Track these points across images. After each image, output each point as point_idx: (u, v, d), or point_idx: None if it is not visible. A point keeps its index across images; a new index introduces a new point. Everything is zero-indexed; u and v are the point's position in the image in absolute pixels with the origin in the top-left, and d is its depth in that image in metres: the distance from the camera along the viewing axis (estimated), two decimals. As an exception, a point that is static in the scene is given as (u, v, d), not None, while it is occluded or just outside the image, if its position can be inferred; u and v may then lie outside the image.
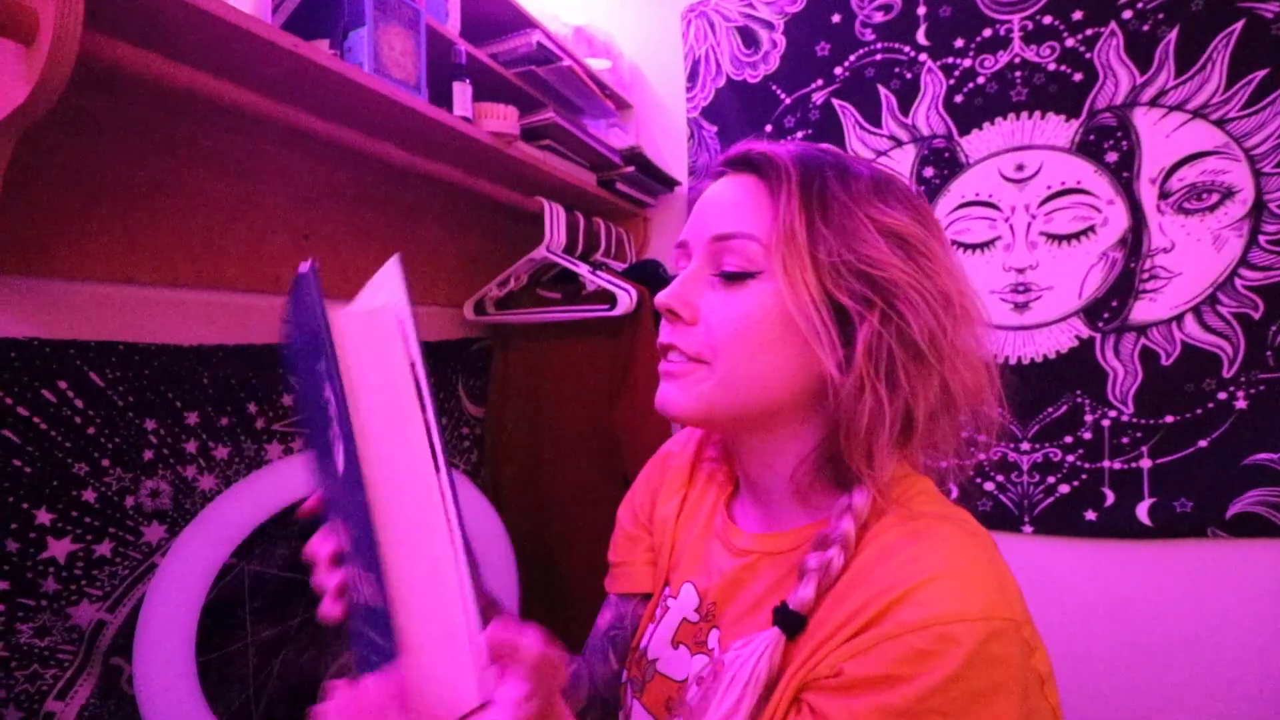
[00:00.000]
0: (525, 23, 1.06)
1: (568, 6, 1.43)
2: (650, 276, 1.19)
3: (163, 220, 0.81)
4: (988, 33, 1.18)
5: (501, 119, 0.94)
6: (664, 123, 1.45)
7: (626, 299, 1.06)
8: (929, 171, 1.22)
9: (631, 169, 1.23)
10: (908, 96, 1.24)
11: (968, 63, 1.19)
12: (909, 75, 1.23)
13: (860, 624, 0.40)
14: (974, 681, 0.36)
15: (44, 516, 0.72)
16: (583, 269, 1.11)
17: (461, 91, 0.89)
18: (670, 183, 1.38)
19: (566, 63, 1.02)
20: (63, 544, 0.73)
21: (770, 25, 1.34)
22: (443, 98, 0.89)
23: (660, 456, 0.71)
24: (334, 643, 1.02)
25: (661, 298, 0.49)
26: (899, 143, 1.25)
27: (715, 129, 1.39)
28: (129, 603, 0.78)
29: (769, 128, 1.34)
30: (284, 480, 0.87)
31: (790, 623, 0.43)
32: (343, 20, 0.74)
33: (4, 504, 0.69)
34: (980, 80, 1.19)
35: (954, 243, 1.21)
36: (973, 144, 1.20)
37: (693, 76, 1.42)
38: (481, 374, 1.32)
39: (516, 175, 1.08)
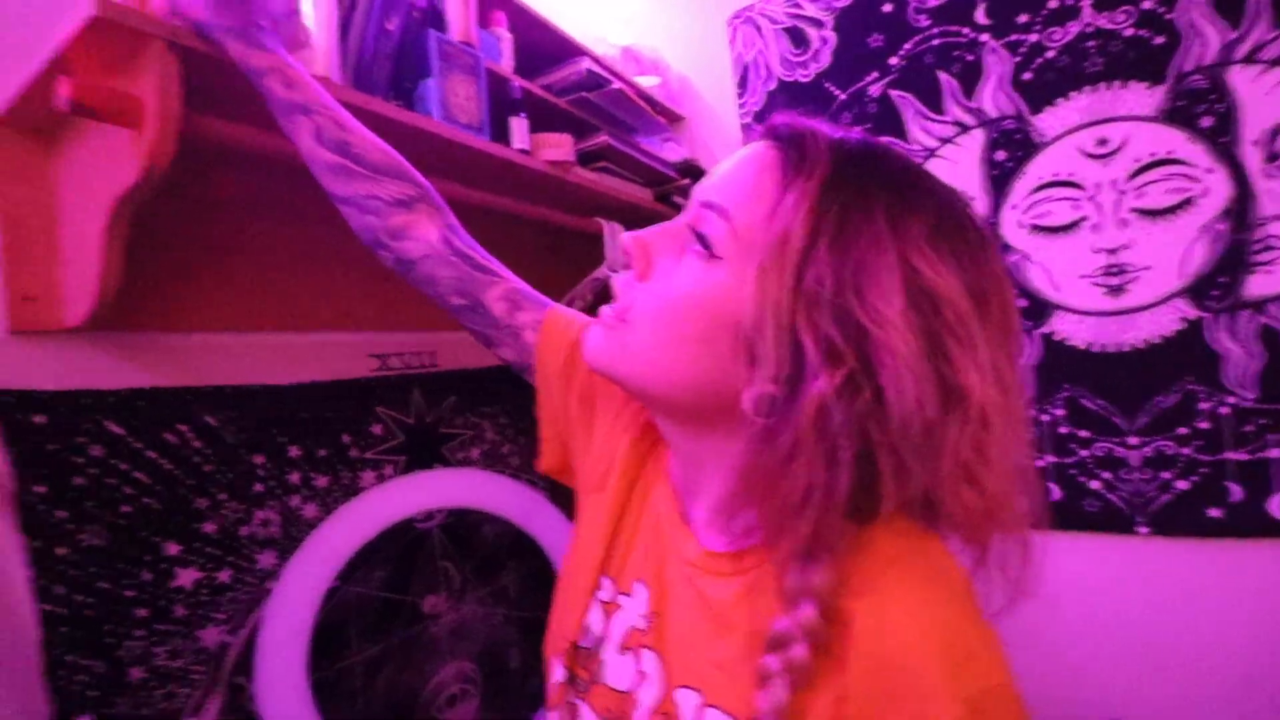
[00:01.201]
0: (574, 51, 1.09)
1: (614, 27, 1.46)
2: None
3: (258, 271, 0.88)
4: (1054, 4, 1.11)
5: (557, 147, 0.97)
6: (717, 131, 1.45)
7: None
8: (1001, 155, 1.16)
9: (687, 181, 1.24)
10: (971, 79, 1.18)
11: (1034, 38, 1.13)
12: (970, 57, 1.18)
13: None
14: None
15: (172, 548, 0.79)
16: (645, 285, 1.12)
17: (518, 126, 0.93)
18: (727, 191, 1.37)
19: (616, 85, 1.04)
20: (189, 573, 0.80)
21: (819, 23, 1.31)
22: (500, 131, 0.93)
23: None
24: (431, 660, 1.06)
25: (628, 236, 0.45)
26: (964, 128, 1.19)
27: (770, 133, 1.38)
28: (248, 625, 0.85)
29: (825, 126, 1.31)
30: (378, 506, 0.92)
31: None
32: (410, 72, 0.79)
33: (139, 538, 0.76)
34: (1050, 55, 1.12)
35: (1035, 227, 1.15)
36: (1046, 122, 1.13)
37: (743, 83, 1.41)
38: (553, 394, 1.35)
39: (574, 199, 1.10)
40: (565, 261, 1.32)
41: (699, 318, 0.41)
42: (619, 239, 1.14)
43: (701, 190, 0.44)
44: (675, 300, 0.42)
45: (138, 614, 0.76)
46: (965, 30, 1.18)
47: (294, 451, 0.91)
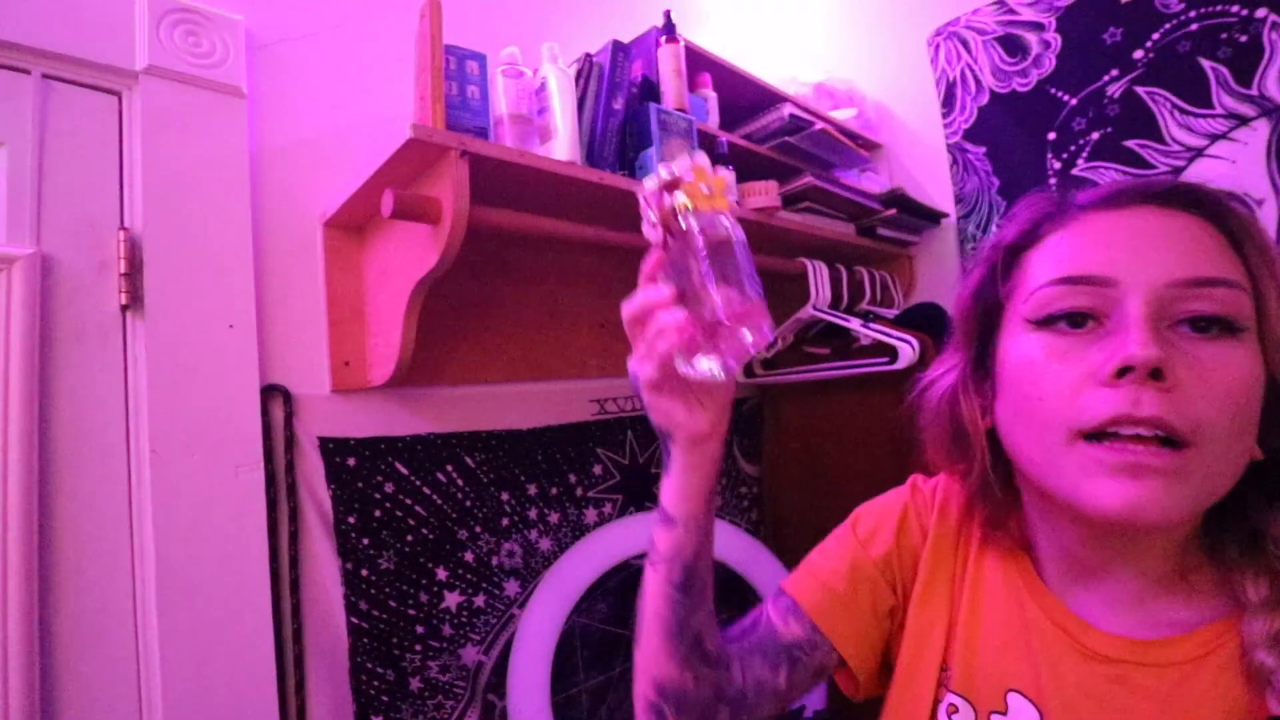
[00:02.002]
0: (773, 98, 1.11)
1: (806, 64, 1.46)
2: (927, 321, 1.12)
3: (502, 330, 1.00)
4: (1368, -43, 0.91)
5: (764, 195, 0.98)
6: (919, 155, 1.38)
7: (909, 351, 1.01)
8: (1297, 147, 0.97)
9: (893, 211, 1.19)
10: (1247, 64, 1.00)
11: (1340, 2, 0.93)
12: (1243, 38, 1.01)
13: None
14: None
15: (441, 574, 0.91)
16: (854, 323, 1.09)
17: (727, 179, 0.96)
18: (936, 216, 1.30)
19: (818, 126, 1.04)
20: (454, 596, 0.92)
21: (1039, 26, 1.20)
22: (710, 186, 0.96)
23: (923, 489, 0.57)
24: (649, 694, 1.10)
25: (1148, 352, 0.36)
26: (1243, 120, 1.01)
27: (983, 150, 1.28)
28: (498, 646, 0.95)
29: (1052, 135, 1.19)
30: (605, 545, 0.98)
31: None
32: (633, 143, 0.86)
33: (418, 564, 0.89)
34: (1365, 19, 0.92)
35: (1356, 231, 0.93)
36: (1365, 100, 0.92)
37: (948, 100, 1.33)
38: (753, 433, 1.35)
39: (780, 242, 1.11)
40: (773, 296, 1.33)
41: (1254, 398, 0.38)
42: (823, 278, 1.12)
43: (1140, 267, 0.39)
44: (1243, 384, 0.37)
45: (417, 630, 0.88)
46: (1234, 8, 1.01)
47: (532, 489, 1.01)
